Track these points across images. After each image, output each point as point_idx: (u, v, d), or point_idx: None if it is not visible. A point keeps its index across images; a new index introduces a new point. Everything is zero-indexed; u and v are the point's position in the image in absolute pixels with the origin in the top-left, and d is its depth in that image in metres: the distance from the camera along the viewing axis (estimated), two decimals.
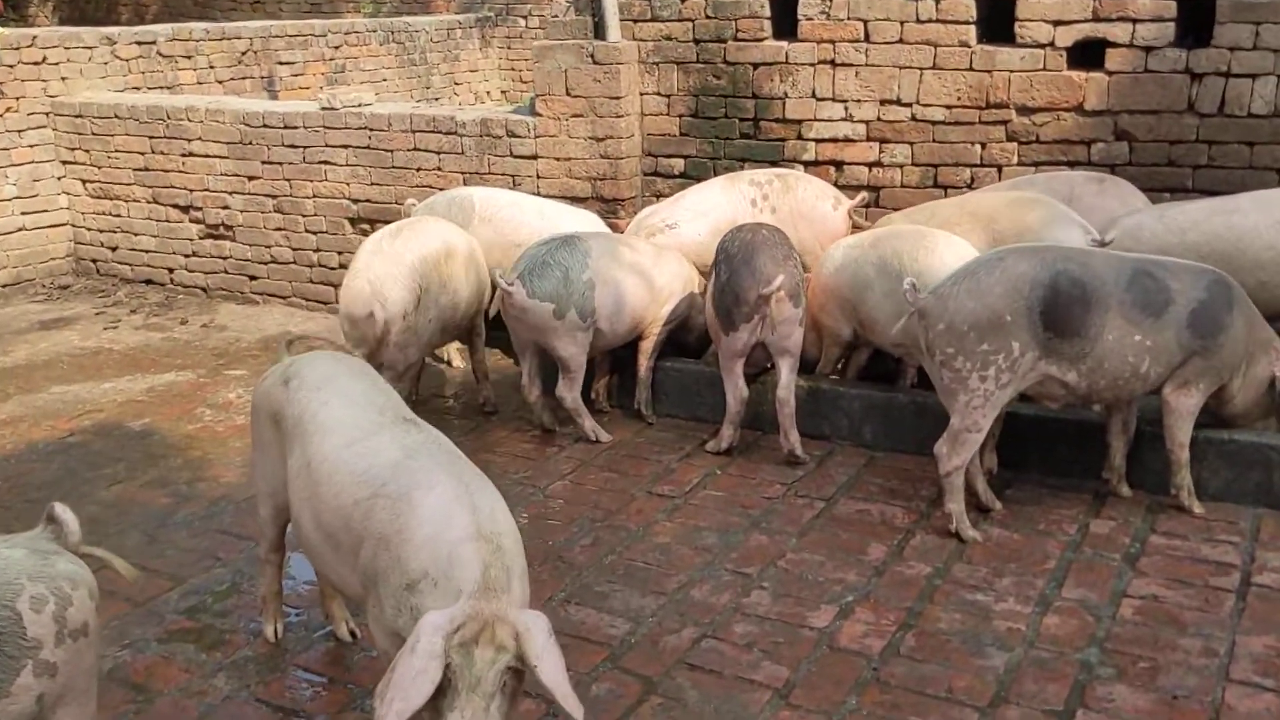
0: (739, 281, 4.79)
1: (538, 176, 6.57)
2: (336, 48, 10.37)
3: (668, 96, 6.45)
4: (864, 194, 5.90)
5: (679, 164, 6.53)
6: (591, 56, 6.30)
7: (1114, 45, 5.45)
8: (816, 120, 6.13)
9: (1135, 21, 5.37)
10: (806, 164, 6.20)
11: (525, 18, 12.31)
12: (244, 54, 9.38)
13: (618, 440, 5.27)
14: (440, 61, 11.60)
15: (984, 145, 5.81)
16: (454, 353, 6.37)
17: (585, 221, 6.06)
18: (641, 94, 6.48)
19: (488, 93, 12.17)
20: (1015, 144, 5.74)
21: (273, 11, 13.69)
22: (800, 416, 4.93)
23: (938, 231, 4.87)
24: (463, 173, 6.76)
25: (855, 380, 5.33)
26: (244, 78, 9.38)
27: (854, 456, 5.01)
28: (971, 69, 5.73)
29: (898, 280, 4.65)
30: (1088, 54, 5.53)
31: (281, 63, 9.77)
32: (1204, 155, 5.43)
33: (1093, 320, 4.05)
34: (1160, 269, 4.15)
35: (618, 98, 6.31)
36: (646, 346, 5.44)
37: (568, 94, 6.39)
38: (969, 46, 5.72)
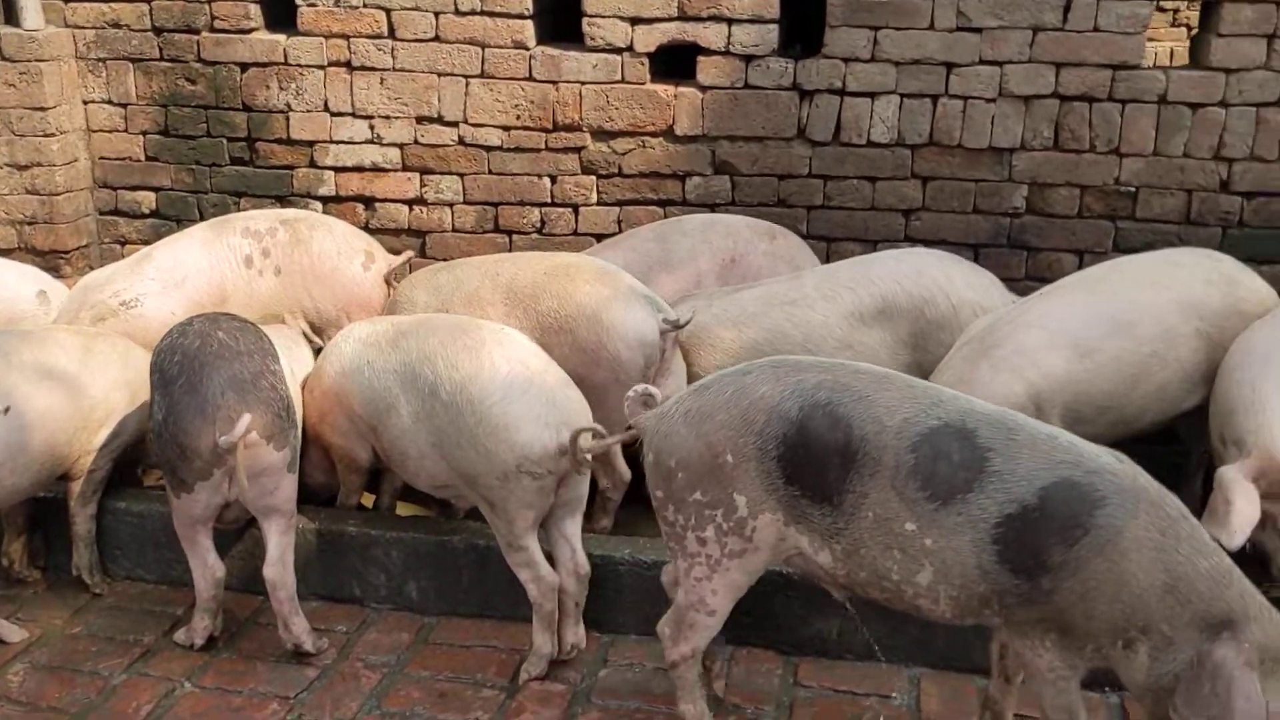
0: (183, 424, 3.14)
1: None
2: None
3: (124, 107, 4.63)
4: (409, 250, 4.34)
5: (149, 199, 4.73)
6: None
7: (707, 52, 4.26)
8: (333, 142, 4.55)
9: (730, 22, 4.20)
10: (325, 200, 4.62)
11: None
12: None
13: (42, 633, 3.55)
14: None
15: (554, 179, 4.47)
16: None
17: (28, 282, 4.22)
18: (86, 103, 4.63)
19: None
20: (594, 177, 4.45)
21: None
22: (315, 573, 3.55)
23: (485, 323, 3.44)
24: None
25: (394, 517, 3.83)
26: None
27: (397, 629, 3.60)
28: (531, 79, 4.37)
29: (431, 397, 3.23)
30: (676, 63, 4.33)
31: None
32: (819, 194, 4.36)
33: (851, 483, 2.60)
34: (993, 428, 2.55)
35: (44, 109, 4.44)
36: (78, 490, 3.67)
37: None
38: (526, 49, 4.35)
